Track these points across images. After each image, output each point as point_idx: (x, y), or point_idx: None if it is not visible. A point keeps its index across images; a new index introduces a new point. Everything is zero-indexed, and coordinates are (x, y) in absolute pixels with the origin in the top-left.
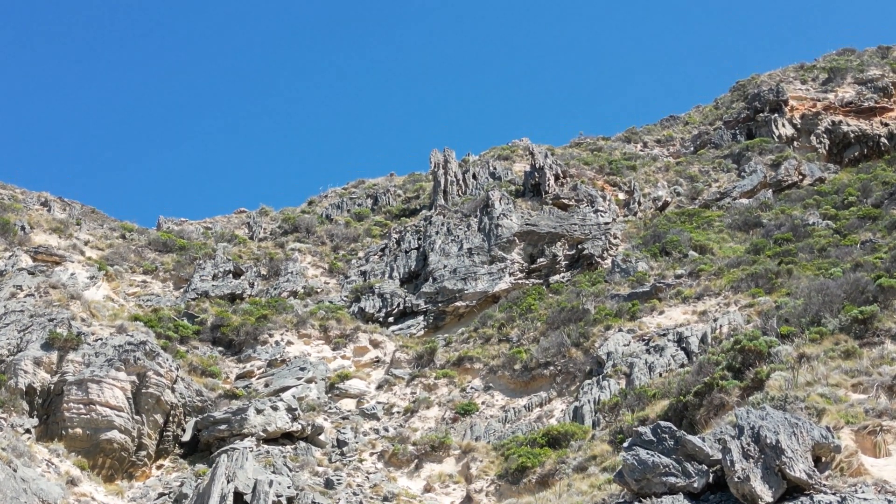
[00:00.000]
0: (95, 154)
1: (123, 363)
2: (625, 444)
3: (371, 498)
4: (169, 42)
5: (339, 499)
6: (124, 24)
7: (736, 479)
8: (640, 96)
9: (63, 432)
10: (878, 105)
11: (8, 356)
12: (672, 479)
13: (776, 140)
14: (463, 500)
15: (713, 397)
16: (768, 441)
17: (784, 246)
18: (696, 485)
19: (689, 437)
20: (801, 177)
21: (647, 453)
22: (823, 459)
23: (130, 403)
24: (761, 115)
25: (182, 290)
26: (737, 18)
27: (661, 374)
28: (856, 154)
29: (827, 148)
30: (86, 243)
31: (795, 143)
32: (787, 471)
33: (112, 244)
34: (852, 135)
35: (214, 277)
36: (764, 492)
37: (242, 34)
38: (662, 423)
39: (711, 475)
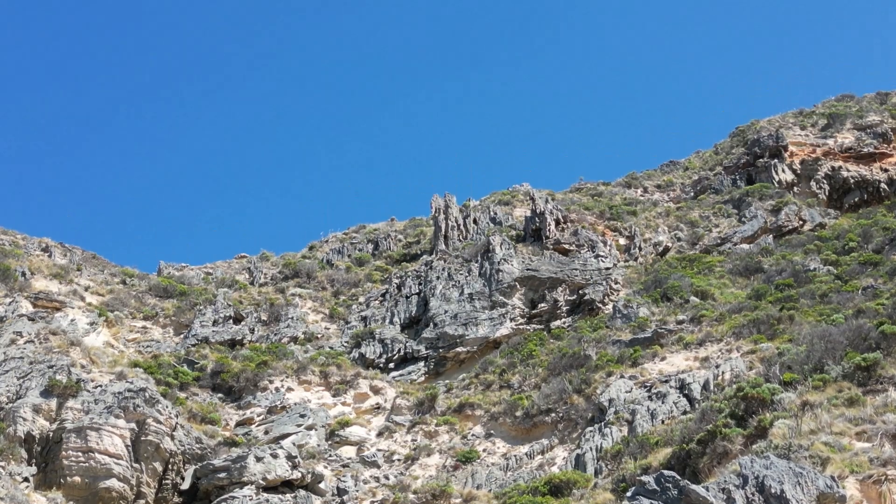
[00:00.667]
0: (97, 199)
1: (123, 410)
2: (628, 494)
3: None
4: (169, 91)
5: None
6: (122, 73)
7: None
8: (640, 141)
9: (61, 480)
10: (877, 151)
11: (7, 403)
12: None
13: (776, 185)
14: None
15: (716, 445)
16: (773, 491)
17: (785, 292)
18: None
19: (693, 486)
20: (801, 222)
21: (651, 503)
22: None
23: (129, 451)
24: (761, 160)
25: (182, 335)
26: (736, 64)
27: (663, 421)
28: (856, 199)
29: (827, 193)
30: (86, 289)
31: (795, 188)
32: None
33: (113, 290)
34: (852, 180)
35: (215, 323)
36: None
37: (245, 81)
38: (666, 472)
39: None
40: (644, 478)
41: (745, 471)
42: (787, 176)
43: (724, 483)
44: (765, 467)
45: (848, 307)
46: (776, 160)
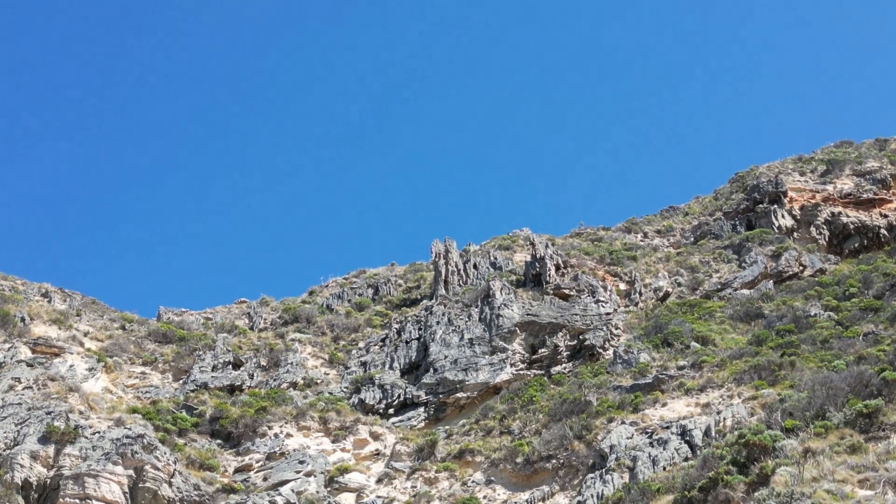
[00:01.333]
0: (97, 245)
1: (121, 457)
2: None
3: None
4: (167, 136)
5: None
6: (122, 119)
7: None
8: (639, 187)
9: None
10: (876, 196)
11: (4, 450)
12: None
13: (776, 231)
14: None
15: (718, 493)
16: None
17: (786, 337)
18: None
19: None
20: (801, 268)
21: None
22: None
23: (127, 498)
24: (761, 206)
25: (181, 381)
26: (735, 110)
27: (664, 468)
28: (856, 245)
29: (827, 239)
30: (85, 334)
31: (795, 234)
32: None
33: (112, 335)
34: (852, 226)
35: (214, 368)
36: None
37: (245, 125)
38: None
39: None
40: None
41: None
42: (787, 221)
43: None
44: None
45: (849, 353)
46: (776, 206)
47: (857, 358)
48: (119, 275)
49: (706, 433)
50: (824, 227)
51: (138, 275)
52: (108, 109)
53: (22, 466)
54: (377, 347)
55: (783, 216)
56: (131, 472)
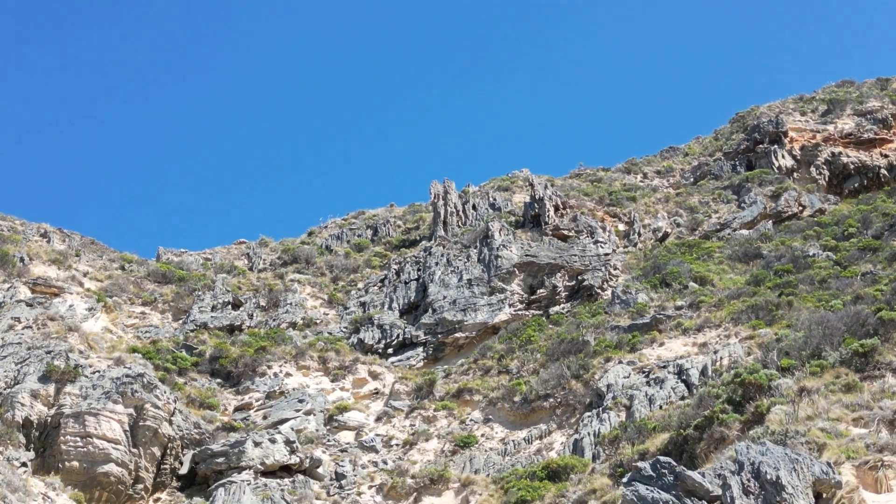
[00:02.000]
0: (96, 185)
1: (121, 396)
2: (624, 480)
3: None
4: (169, 78)
5: None
6: (122, 59)
7: None
8: (639, 127)
9: (59, 465)
10: (877, 136)
11: (5, 389)
12: None
13: (776, 171)
14: None
15: (713, 431)
16: (768, 477)
17: (784, 277)
18: None
19: (689, 472)
20: (801, 208)
21: (647, 489)
22: (824, 495)
23: (128, 436)
24: (761, 146)
25: (181, 321)
26: (736, 50)
27: (661, 407)
28: (856, 185)
29: (827, 179)
30: (85, 275)
31: (795, 174)
32: None
33: (111, 275)
34: (852, 166)
35: (213, 309)
36: None
37: (245, 68)
38: (662, 458)
39: None
40: (640, 464)
41: (741, 457)
42: (787, 162)
43: (720, 469)
44: (761, 454)
45: (846, 293)
46: (776, 146)
47: (854, 298)
48: (118, 215)
49: (703, 372)
50: (824, 167)
51: (137, 215)
52: (102, 39)
53: (22, 405)
54: (376, 288)
55: (783, 156)
56: (131, 410)
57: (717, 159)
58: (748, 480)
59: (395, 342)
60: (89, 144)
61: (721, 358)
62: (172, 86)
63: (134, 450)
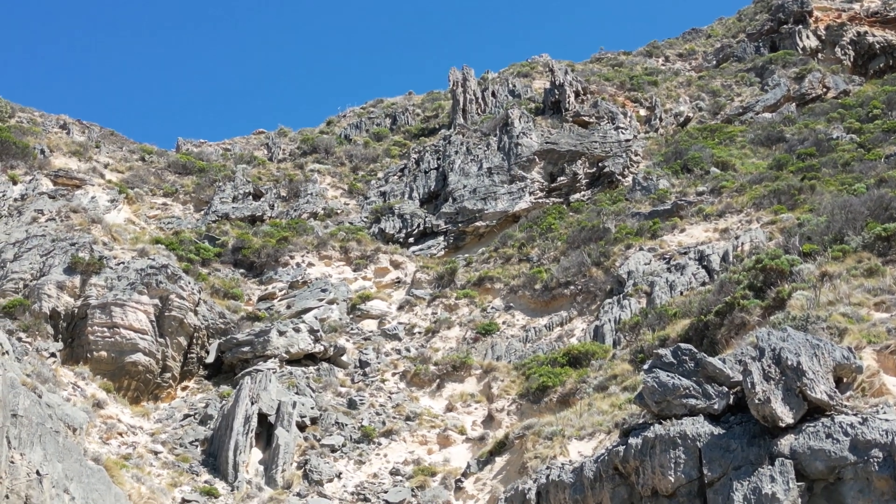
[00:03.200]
0: (113, 75)
1: (146, 287)
2: (645, 367)
3: (394, 418)
4: None
5: (361, 419)
6: None
7: (756, 401)
8: (661, 9)
9: (88, 355)
10: None
11: (31, 280)
12: (692, 401)
13: (800, 52)
14: (485, 418)
15: (734, 317)
16: (789, 363)
17: (807, 161)
18: (716, 406)
19: (710, 359)
20: (825, 90)
21: (668, 375)
22: (845, 380)
23: (154, 326)
24: (785, 26)
25: (202, 212)
26: None
27: (681, 293)
28: (881, 65)
29: (852, 59)
30: (105, 166)
31: (820, 55)
32: (808, 392)
33: (132, 167)
34: (878, 46)
35: (234, 199)
36: (784, 413)
37: None
38: (682, 345)
39: (732, 397)
40: (661, 351)
41: (762, 343)
42: (812, 42)
43: (741, 355)
44: (781, 339)
45: (870, 176)
46: (800, 26)
47: (877, 181)
48: (136, 106)
49: (724, 258)
50: (849, 47)
51: (155, 105)
52: None
53: (49, 296)
54: (396, 177)
55: (808, 37)
56: (157, 301)
57: (740, 41)
58: (769, 366)
59: (415, 231)
60: (106, 34)
61: (742, 243)
62: None
63: (160, 339)
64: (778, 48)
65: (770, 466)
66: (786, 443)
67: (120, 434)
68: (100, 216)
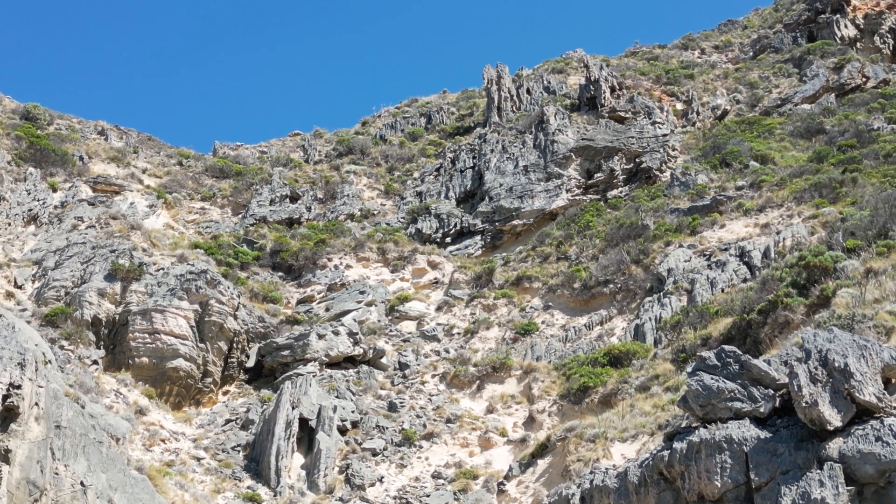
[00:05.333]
0: (150, 80)
1: (186, 292)
2: (688, 370)
3: (434, 420)
4: None
5: (402, 421)
6: None
7: (803, 404)
8: (696, 0)
9: (130, 362)
10: None
11: (72, 288)
12: (738, 405)
13: (838, 42)
14: (525, 420)
15: (778, 315)
16: (836, 364)
17: (848, 153)
18: (762, 409)
19: (755, 361)
20: (864, 79)
21: (712, 378)
22: (893, 381)
23: (194, 331)
24: (823, 16)
25: (240, 215)
26: None
27: (723, 290)
28: None
29: (891, 48)
30: (144, 171)
31: (858, 44)
32: (857, 394)
33: (169, 171)
34: None
35: (272, 202)
36: (832, 416)
37: None
38: (727, 347)
39: (778, 399)
40: (705, 353)
41: (808, 345)
42: (850, 31)
43: (786, 356)
44: (828, 340)
45: None
46: (838, 15)
47: None
48: (172, 111)
49: (765, 254)
50: (889, 35)
51: (191, 110)
52: None
53: (90, 304)
54: (432, 177)
55: (846, 26)
56: (197, 306)
57: (777, 31)
58: (815, 368)
59: (452, 231)
60: (143, 40)
61: (784, 239)
62: None
63: (201, 344)
64: (816, 38)
65: (819, 471)
66: (834, 446)
67: (163, 441)
68: (139, 222)
